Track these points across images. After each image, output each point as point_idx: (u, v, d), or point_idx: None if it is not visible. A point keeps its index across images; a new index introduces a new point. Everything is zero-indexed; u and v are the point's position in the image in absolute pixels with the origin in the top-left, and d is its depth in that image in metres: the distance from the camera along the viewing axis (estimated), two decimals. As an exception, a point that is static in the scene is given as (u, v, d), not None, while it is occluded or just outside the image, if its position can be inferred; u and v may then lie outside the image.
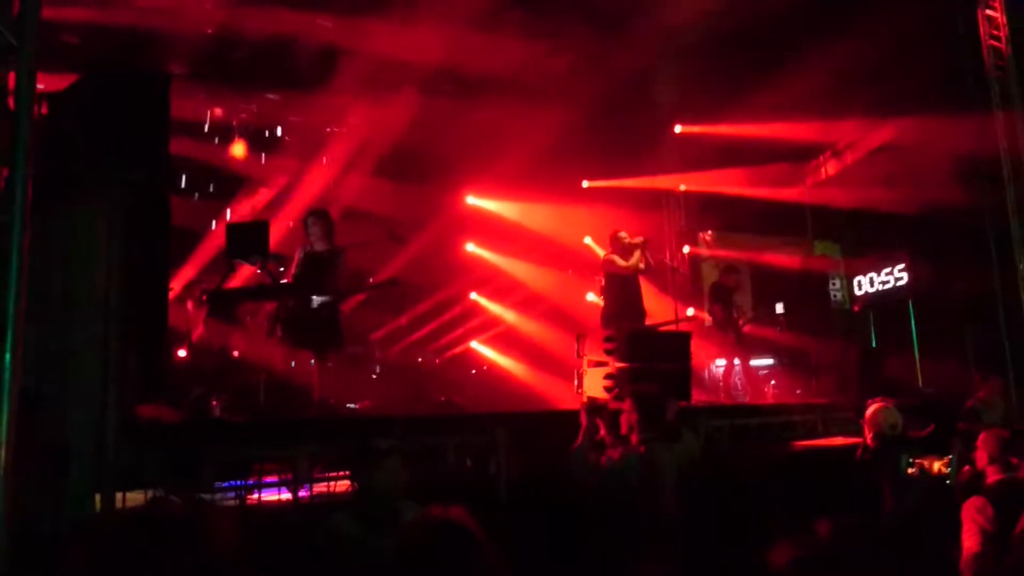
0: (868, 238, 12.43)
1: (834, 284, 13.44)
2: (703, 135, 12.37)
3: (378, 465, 3.50)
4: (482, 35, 9.63)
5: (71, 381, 3.88)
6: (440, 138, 11.35)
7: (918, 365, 10.80)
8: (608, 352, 7.40)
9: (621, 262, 8.35)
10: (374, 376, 10.11)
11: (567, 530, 4.59)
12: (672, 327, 8.99)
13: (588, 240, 9.18)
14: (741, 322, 10.61)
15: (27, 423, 3.14)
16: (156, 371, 4.84)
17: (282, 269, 7.37)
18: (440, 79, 10.99)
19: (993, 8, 10.22)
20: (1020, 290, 9.71)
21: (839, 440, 7.64)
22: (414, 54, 10.05)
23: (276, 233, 8.26)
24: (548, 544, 4.48)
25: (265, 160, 11.77)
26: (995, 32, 10.12)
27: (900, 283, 11.65)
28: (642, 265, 8.39)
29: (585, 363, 7.67)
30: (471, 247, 12.90)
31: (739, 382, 10.81)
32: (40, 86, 3.43)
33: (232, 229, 7.07)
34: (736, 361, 10.75)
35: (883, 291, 11.96)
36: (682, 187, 13.61)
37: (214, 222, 10.71)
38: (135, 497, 3.96)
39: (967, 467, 4.88)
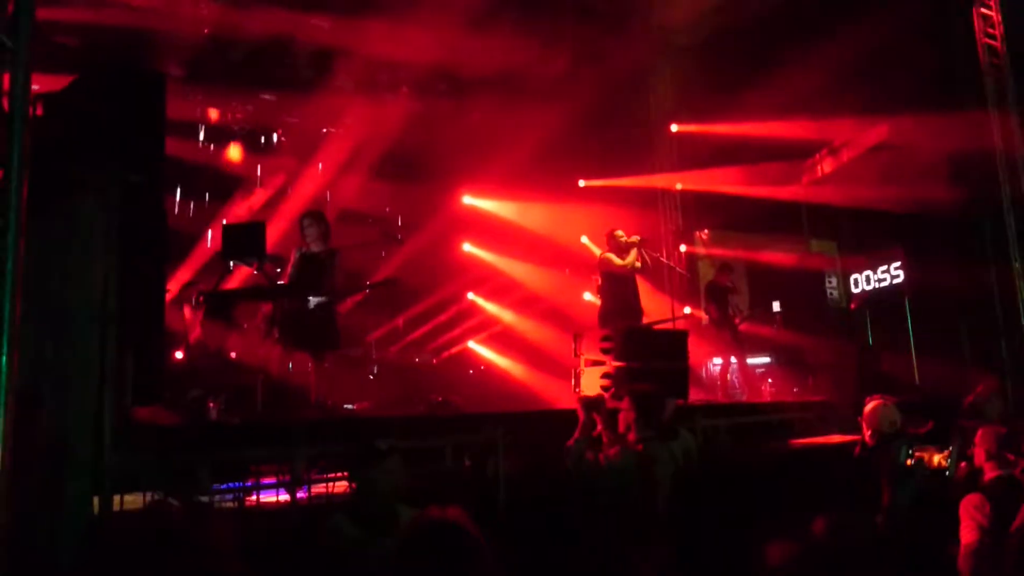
0: (864, 236, 12.45)
1: (830, 282, 13.47)
2: (699, 134, 12.39)
3: (378, 466, 3.50)
4: (478, 35, 9.64)
5: (67, 383, 3.86)
6: (436, 138, 11.35)
7: (914, 362, 10.82)
8: (605, 351, 7.40)
9: (618, 261, 8.35)
10: (371, 377, 10.11)
11: (564, 529, 4.59)
12: (669, 325, 9.00)
13: (585, 239, 9.18)
14: (737, 320, 10.63)
15: (24, 426, 3.14)
16: (153, 373, 4.82)
17: (279, 270, 7.37)
18: (436, 79, 11.01)
19: (988, 7, 10.24)
20: (1016, 287, 9.74)
21: (836, 438, 7.65)
22: (410, 54, 10.07)
23: (273, 234, 8.26)
24: (545, 543, 4.48)
25: (261, 161, 11.77)
26: (990, 30, 10.15)
27: (896, 281, 11.68)
28: (639, 264, 8.39)
29: (582, 362, 7.67)
30: (468, 247, 12.89)
31: (736, 380, 10.83)
32: (35, 87, 3.42)
33: (228, 230, 7.06)
34: (733, 359, 10.76)
35: (879, 289, 11.99)
36: (678, 186, 13.62)
37: (210, 224, 10.69)
38: (133, 500, 3.95)
39: (963, 463, 4.89)
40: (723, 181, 12.65)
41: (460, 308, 12.58)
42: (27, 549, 3.21)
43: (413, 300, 11.89)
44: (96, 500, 3.83)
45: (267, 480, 4.82)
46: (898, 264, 11.65)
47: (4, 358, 2.96)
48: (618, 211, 11.15)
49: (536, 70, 10.55)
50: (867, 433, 5.01)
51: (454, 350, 12.30)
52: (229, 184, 11.38)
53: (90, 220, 4.06)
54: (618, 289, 8.41)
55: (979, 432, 4.69)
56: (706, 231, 13.91)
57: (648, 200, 13.34)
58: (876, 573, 2.56)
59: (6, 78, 3.16)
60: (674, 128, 12.83)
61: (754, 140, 11.70)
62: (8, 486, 2.88)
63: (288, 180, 11.50)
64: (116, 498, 3.92)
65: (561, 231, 11.14)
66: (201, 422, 6.04)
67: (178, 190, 10.83)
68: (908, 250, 11.49)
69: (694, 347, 7.97)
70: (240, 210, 11.11)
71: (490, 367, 12.37)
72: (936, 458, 4.75)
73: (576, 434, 4.92)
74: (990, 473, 4.42)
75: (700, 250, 13.74)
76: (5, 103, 3.14)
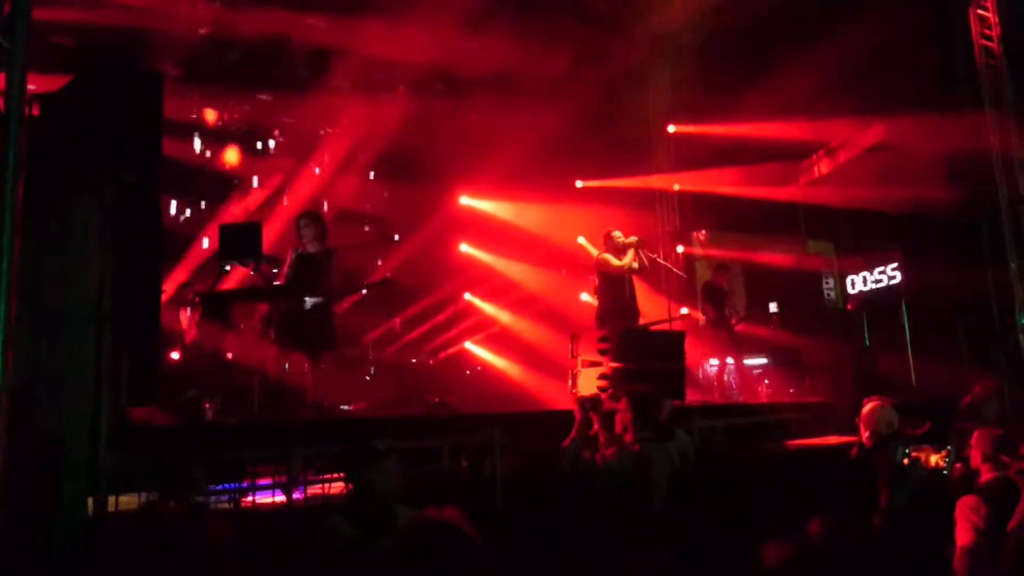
0: (861, 237, 12.46)
1: (827, 283, 13.47)
2: (696, 135, 12.40)
3: (375, 466, 3.50)
4: (475, 35, 9.64)
5: (62, 384, 3.85)
6: (433, 138, 11.34)
7: (911, 363, 10.83)
8: (602, 352, 7.39)
9: (615, 262, 8.34)
10: (368, 377, 10.10)
11: (561, 530, 4.59)
12: (666, 326, 9.00)
13: (582, 240, 9.18)
14: (734, 321, 10.63)
15: (19, 426, 3.13)
16: (149, 374, 4.82)
17: (275, 271, 7.36)
18: (433, 79, 11.01)
19: (985, 8, 10.25)
20: (1012, 288, 9.75)
21: (833, 439, 7.65)
22: (407, 54, 10.07)
23: (269, 235, 8.25)
24: (542, 544, 4.47)
25: (258, 161, 11.76)
26: (987, 31, 10.16)
27: (893, 282, 11.69)
28: (636, 265, 8.38)
29: (579, 363, 7.67)
30: (465, 247, 12.89)
31: (732, 381, 10.83)
32: (31, 87, 3.41)
33: (225, 231, 7.05)
34: (729, 360, 10.76)
35: (876, 290, 12.00)
36: (675, 187, 13.63)
37: (207, 224, 10.67)
38: (128, 501, 3.94)
39: (959, 464, 4.90)
40: (720, 182, 12.66)
41: (457, 309, 12.58)
42: (22, 550, 3.20)
43: (410, 301, 11.88)
44: (91, 501, 3.82)
45: (263, 481, 4.81)
46: (895, 265, 11.67)
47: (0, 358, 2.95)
48: (615, 212, 11.15)
49: (533, 70, 10.55)
50: (865, 434, 5.01)
51: (451, 351, 12.31)
52: (225, 184, 11.37)
53: (86, 220, 4.05)
54: (615, 290, 8.41)
55: (975, 434, 4.69)
56: (703, 232, 13.91)
57: (645, 201, 13.34)
58: (873, 574, 2.56)
59: (2, 78, 3.15)
60: (671, 129, 12.84)
61: (751, 141, 11.71)
62: (3, 487, 2.88)
63: (285, 180, 11.50)
64: (111, 499, 3.92)
65: (558, 232, 11.15)
66: (197, 423, 6.03)
67: (174, 191, 10.81)
68: (905, 251, 11.50)
69: (691, 348, 7.97)
70: (237, 210, 11.10)
71: (487, 368, 12.38)
72: (933, 458, 4.75)
73: (572, 434, 4.92)
74: (986, 475, 4.43)
75: (697, 251, 13.74)
76: (1, 103, 3.13)
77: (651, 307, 9.38)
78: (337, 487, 4.76)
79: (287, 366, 7.04)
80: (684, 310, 10.78)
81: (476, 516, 2.25)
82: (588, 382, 7.35)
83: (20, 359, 3.10)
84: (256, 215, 10.74)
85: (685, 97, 12.19)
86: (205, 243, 10.26)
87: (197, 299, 7.68)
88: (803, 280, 13.22)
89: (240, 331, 7.73)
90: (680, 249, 13.50)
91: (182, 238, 10.42)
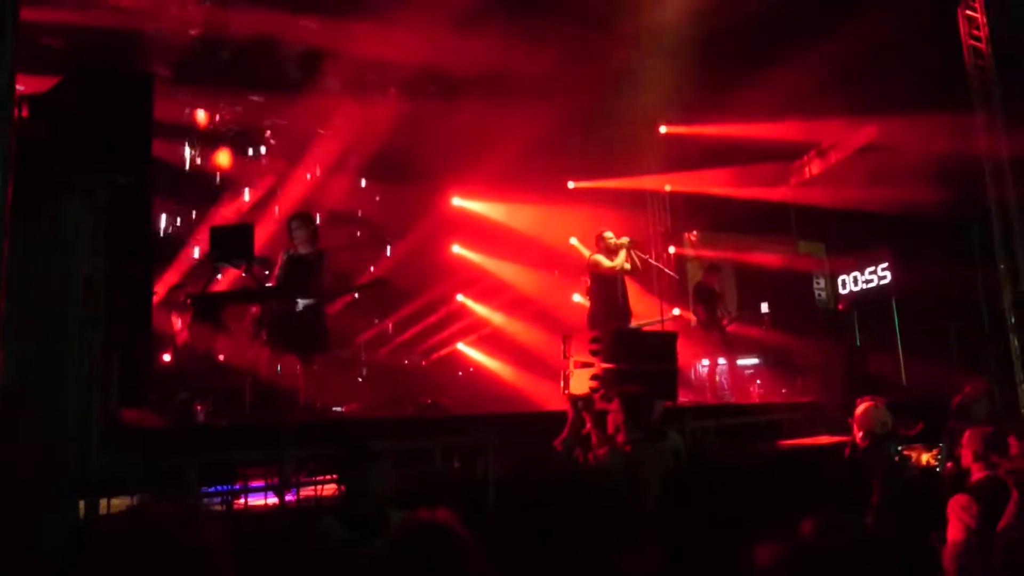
0: (852, 237, 12.51)
1: (818, 283, 13.52)
2: (688, 135, 12.42)
3: (370, 468, 3.50)
4: (466, 36, 9.63)
5: (53, 385, 3.84)
6: (425, 140, 11.33)
7: (902, 363, 10.87)
8: (594, 353, 7.40)
9: (607, 263, 8.35)
10: (360, 379, 10.09)
11: (553, 530, 4.59)
12: (658, 327, 9.01)
13: (574, 241, 9.18)
14: (725, 322, 10.65)
15: (8, 427, 3.11)
16: (140, 375, 4.80)
17: (267, 272, 7.34)
18: (424, 80, 10.99)
19: (973, 8, 10.31)
20: (1001, 289, 9.81)
21: (825, 439, 7.67)
22: (398, 55, 10.05)
23: (261, 236, 8.23)
24: (534, 545, 4.47)
25: (249, 163, 11.73)
26: (975, 32, 10.21)
27: (883, 282, 11.74)
28: (628, 265, 8.39)
29: (571, 364, 7.67)
30: (457, 248, 12.89)
31: (724, 381, 10.85)
32: (20, 88, 3.40)
33: (216, 232, 7.03)
34: (721, 361, 10.78)
35: (867, 290, 12.05)
36: (667, 187, 13.65)
37: (198, 226, 10.64)
38: (119, 503, 3.93)
39: (950, 463, 4.92)
40: (711, 182, 12.70)
41: (449, 310, 12.57)
42: (11, 553, 3.18)
43: (402, 302, 11.87)
44: (81, 503, 3.81)
45: (255, 483, 4.80)
46: (885, 265, 11.72)
47: (-11, 360, 2.94)
48: (607, 212, 11.16)
49: (525, 71, 10.54)
50: (859, 435, 5.02)
51: (443, 352, 12.29)
52: (217, 186, 11.34)
53: (76, 222, 4.04)
54: (607, 291, 8.41)
55: (966, 433, 4.71)
56: (695, 232, 13.95)
57: (637, 201, 13.37)
58: (865, 574, 2.57)
59: (-9, 79, 3.14)
60: (663, 129, 12.86)
61: (742, 141, 11.75)
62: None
63: (276, 182, 11.47)
64: (102, 502, 3.90)
65: (550, 232, 11.15)
66: (188, 425, 6.01)
67: (165, 192, 10.77)
68: (895, 251, 11.56)
69: (683, 348, 7.99)
70: (228, 212, 11.07)
71: (479, 369, 12.37)
72: (924, 457, 4.78)
73: (565, 432, 4.92)
74: (977, 474, 4.45)
75: (689, 251, 13.78)
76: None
77: (643, 308, 9.38)
78: (330, 489, 4.76)
79: (279, 368, 7.03)
80: (676, 311, 10.79)
81: (468, 517, 2.25)
82: (580, 383, 7.35)
83: (10, 360, 3.08)
84: (247, 217, 10.72)
85: (676, 98, 12.20)
86: (197, 245, 10.23)
87: (188, 301, 7.66)
88: (794, 280, 13.27)
89: (232, 333, 7.71)
90: (672, 250, 13.53)
91: (173, 240, 10.39)
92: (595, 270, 8.46)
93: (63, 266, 4.00)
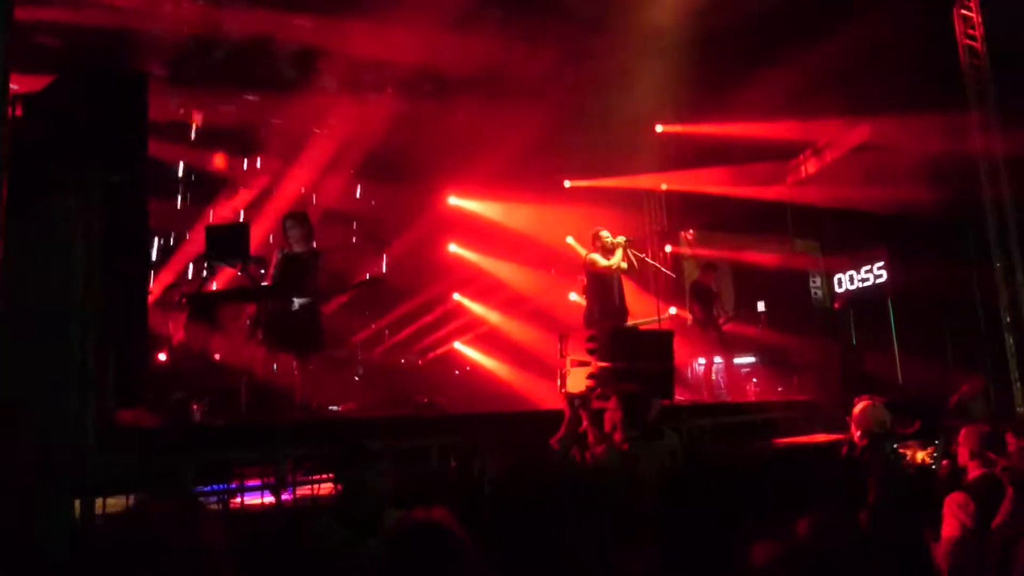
0: (847, 236, 12.52)
1: (814, 282, 13.52)
2: (684, 134, 12.43)
3: (368, 467, 3.49)
4: (462, 35, 9.62)
5: (48, 385, 3.83)
6: (421, 138, 11.32)
7: (898, 362, 10.89)
8: (591, 352, 7.40)
9: (603, 262, 8.35)
10: (356, 378, 10.07)
11: (550, 530, 4.59)
12: (654, 326, 9.01)
13: (570, 240, 9.18)
14: (721, 321, 10.65)
15: (3, 428, 3.10)
16: (136, 375, 4.79)
17: (262, 271, 7.33)
18: (420, 79, 10.98)
19: (968, 8, 10.32)
20: (997, 288, 9.83)
21: (821, 437, 7.68)
22: (394, 55, 10.04)
23: (257, 236, 8.21)
24: (531, 544, 4.47)
25: (245, 162, 11.71)
26: (970, 31, 10.23)
27: (879, 280, 11.74)
28: (624, 264, 8.39)
29: (568, 363, 7.67)
30: (453, 248, 12.88)
31: (721, 380, 10.86)
32: (14, 87, 3.38)
33: (212, 231, 7.02)
34: (717, 359, 10.79)
35: (862, 288, 12.05)
36: (663, 186, 13.66)
37: (194, 225, 10.62)
38: (115, 503, 3.92)
39: (946, 462, 4.92)
40: (708, 181, 12.70)
41: (446, 309, 12.56)
42: (7, 553, 3.17)
43: (398, 301, 11.86)
44: (77, 503, 3.80)
45: (251, 482, 4.79)
46: (881, 264, 11.72)
47: (-17, 360, 2.93)
48: (603, 211, 11.16)
49: (521, 70, 10.55)
50: (856, 434, 5.01)
51: (440, 351, 12.29)
52: (212, 185, 11.31)
53: (71, 221, 4.03)
54: (603, 290, 8.41)
55: (962, 431, 4.72)
56: (691, 231, 13.95)
57: (633, 200, 13.37)
58: (862, 572, 2.57)
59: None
60: (659, 128, 12.86)
61: (739, 140, 11.75)
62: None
63: (272, 181, 11.45)
64: (98, 501, 3.89)
65: (547, 232, 11.15)
66: (184, 424, 6.00)
67: (160, 192, 10.75)
68: (891, 250, 11.56)
69: (679, 347, 7.99)
70: (223, 211, 11.06)
71: (476, 368, 12.37)
72: (920, 456, 4.78)
73: (561, 431, 4.92)
74: (974, 472, 4.46)
75: (685, 250, 13.78)
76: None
77: (639, 307, 9.39)
78: (326, 488, 4.75)
79: (275, 367, 7.02)
80: (672, 310, 10.79)
81: (465, 516, 2.25)
82: (577, 381, 7.35)
83: (5, 360, 3.07)
84: (243, 216, 10.70)
85: (672, 97, 12.20)
86: (192, 244, 10.20)
87: (184, 300, 7.64)
88: (790, 279, 13.26)
89: (227, 332, 7.70)
90: (668, 249, 13.53)
91: (168, 238, 10.37)
92: (591, 269, 8.46)
93: (58, 265, 3.99)
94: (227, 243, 6.76)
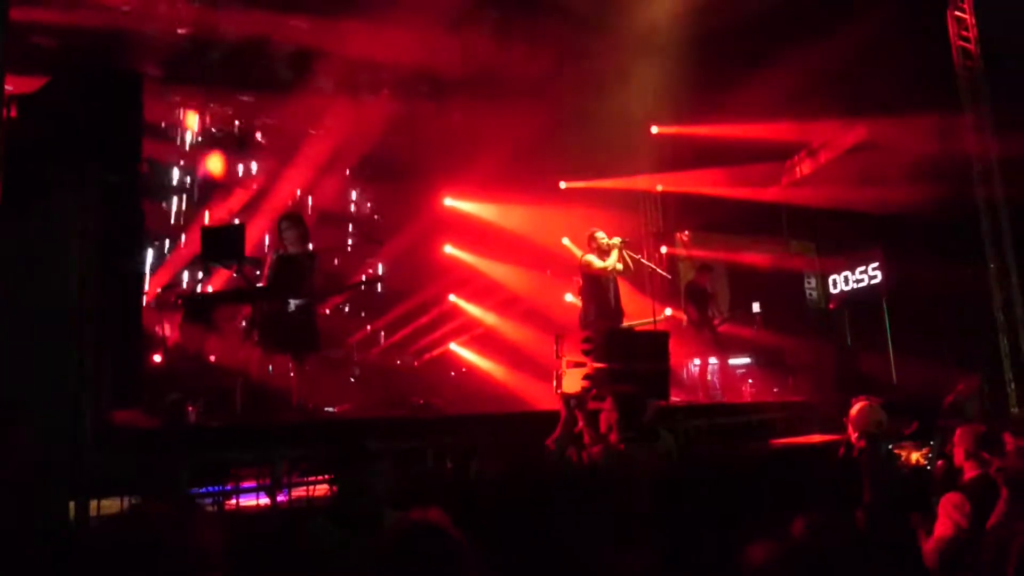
0: (842, 237, 12.55)
1: (809, 283, 13.56)
2: (680, 136, 12.44)
3: (368, 468, 3.49)
4: (458, 36, 9.63)
5: (44, 386, 3.82)
6: (417, 140, 11.33)
7: (892, 362, 10.91)
8: (587, 353, 7.39)
9: (598, 263, 8.35)
10: (352, 379, 10.06)
11: (546, 530, 4.59)
12: (650, 327, 9.02)
13: (566, 241, 9.17)
14: (716, 322, 10.67)
15: (3, 430, 3.10)
16: (131, 376, 4.78)
17: (258, 272, 7.32)
18: (417, 80, 10.98)
19: (962, 9, 10.36)
20: (992, 288, 9.86)
21: (817, 437, 7.70)
22: (390, 56, 10.04)
23: (253, 236, 8.21)
24: (527, 544, 4.47)
25: (240, 163, 11.70)
26: (964, 33, 10.27)
27: (874, 281, 11.77)
28: (620, 266, 8.39)
29: (564, 364, 7.66)
30: (449, 249, 12.88)
31: (716, 381, 10.87)
32: (9, 87, 3.38)
33: (207, 233, 7.01)
34: (712, 360, 10.80)
35: (857, 289, 12.09)
36: (659, 187, 13.67)
37: (189, 226, 10.61)
38: (110, 505, 3.91)
39: (940, 462, 4.93)
40: (703, 183, 12.72)
41: (442, 310, 12.56)
42: (6, 554, 3.16)
43: (394, 302, 11.86)
44: (72, 505, 3.79)
45: (247, 484, 4.78)
46: (876, 265, 11.75)
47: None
48: (599, 212, 11.16)
49: (517, 71, 10.55)
50: (854, 435, 5.01)
51: (436, 352, 12.28)
52: (208, 186, 11.30)
53: (67, 221, 4.02)
54: (599, 291, 8.41)
55: (958, 431, 4.72)
56: (687, 232, 13.97)
57: (629, 201, 13.38)
58: (858, 572, 2.58)
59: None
60: (654, 130, 12.88)
61: (734, 142, 11.77)
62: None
63: (267, 182, 11.44)
64: (93, 503, 3.88)
65: (542, 233, 11.15)
66: (180, 425, 5.99)
67: (156, 192, 10.74)
68: (886, 251, 11.59)
69: (675, 348, 7.99)
70: (219, 212, 11.04)
71: (472, 369, 12.36)
72: (915, 456, 4.79)
73: (557, 431, 4.93)
74: (969, 472, 4.46)
75: (681, 251, 13.79)
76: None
77: (635, 308, 9.39)
78: (321, 489, 4.75)
79: (271, 368, 7.01)
80: (668, 311, 10.80)
81: (461, 517, 2.25)
82: (573, 382, 7.35)
83: (2, 361, 3.07)
84: (238, 217, 10.69)
85: (668, 98, 12.22)
86: (188, 245, 10.19)
87: (180, 301, 7.63)
88: (785, 280, 13.30)
89: (223, 333, 7.68)
90: (664, 250, 13.54)
91: (164, 239, 10.36)
92: (587, 270, 8.46)
93: (53, 266, 3.98)
94: (222, 244, 6.75)
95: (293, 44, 10.07)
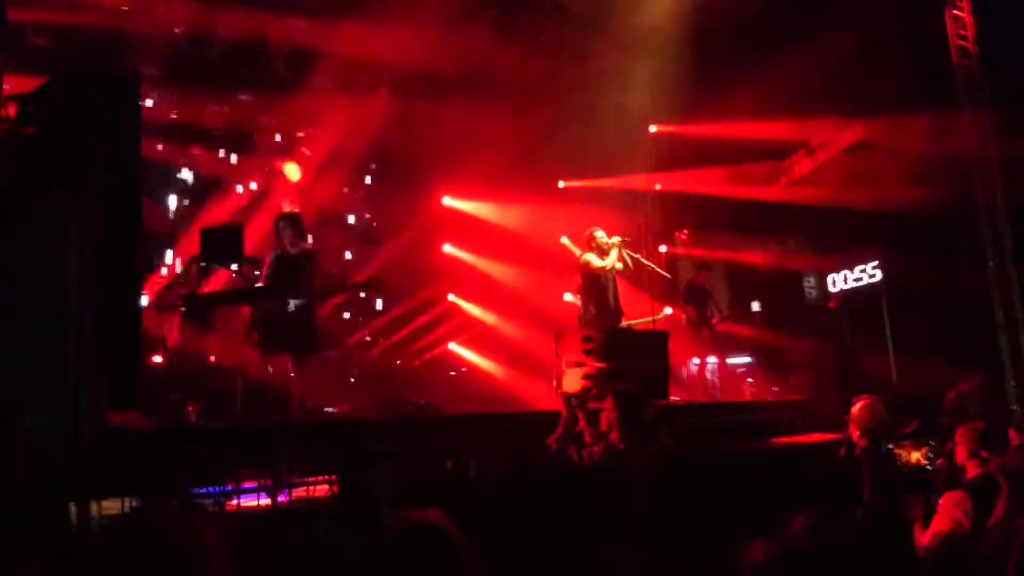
0: (841, 236, 12.54)
1: (808, 282, 13.54)
2: (678, 135, 12.45)
3: (369, 468, 3.50)
4: (457, 36, 9.63)
5: (43, 388, 3.81)
6: (415, 139, 11.32)
7: (892, 361, 10.91)
8: (586, 352, 7.39)
9: (598, 262, 8.34)
10: (352, 379, 10.06)
11: (546, 528, 4.59)
12: (649, 326, 9.02)
13: (565, 240, 9.16)
14: (715, 321, 10.66)
15: (2, 431, 3.09)
16: (130, 377, 4.78)
17: (257, 273, 7.32)
18: (415, 80, 10.98)
19: (960, 8, 10.36)
20: (990, 286, 9.86)
21: (816, 436, 7.69)
22: (388, 55, 10.04)
23: (251, 237, 8.19)
24: (527, 544, 4.48)
25: (238, 162, 11.69)
26: (962, 32, 10.27)
27: (873, 280, 11.76)
28: (619, 265, 8.39)
29: (563, 363, 7.66)
30: (448, 248, 12.87)
31: (715, 380, 10.86)
32: (7, 88, 3.37)
33: (206, 233, 7.00)
34: (712, 359, 10.79)
35: (856, 288, 12.07)
36: (657, 187, 13.66)
37: (188, 227, 10.60)
38: (111, 506, 3.91)
39: (940, 460, 4.93)
40: (702, 182, 12.71)
41: (441, 310, 12.54)
42: (3, 556, 3.16)
43: (394, 302, 11.85)
44: (72, 506, 3.79)
45: (247, 484, 4.78)
46: (875, 264, 11.74)
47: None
48: (598, 212, 11.16)
49: (516, 70, 10.56)
50: (855, 433, 5.00)
51: (435, 352, 12.27)
52: (206, 186, 11.29)
53: (65, 221, 4.02)
54: (598, 290, 8.40)
55: (959, 430, 4.72)
56: (685, 231, 13.95)
57: (628, 201, 13.37)
58: (857, 571, 2.58)
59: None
60: (653, 129, 12.87)
61: (732, 141, 11.77)
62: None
63: (266, 181, 11.43)
64: (93, 504, 3.88)
65: (541, 232, 11.14)
66: (180, 426, 5.99)
67: (154, 192, 10.72)
68: (885, 250, 11.58)
69: (674, 347, 7.99)
70: (217, 212, 11.03)
71: (471, 369, 12.36)
72: (915, 456, 4.79)
73: (558, 431, 4.93)
74: (972, 471, 4.45)
75: (680, 250, 13.78)
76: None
77: (634, 307, 9.39)
78: (322, 489, 4.75)
79: (270, 368, 7.01)
80: (667, 310, 10.81)
81: (460, 516, 2.25)
82: (573, 382, 7.35)
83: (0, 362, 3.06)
84: (237, 216, 10.68)
85: (667, 97, 12.22)
86: (186, 245, 10.18)
87: (179, 302, 7.62)
88: (784, 279, 13.29)
89: (222, 334, 7.68)
90: (663, 249, 13.53)
91: (162, 240, 10.35)
92: (586, 269, 8.45)
93: (51, 266, 3.98)
94: (221, 245, 6.75)
95: (291, 44, 10.07)
